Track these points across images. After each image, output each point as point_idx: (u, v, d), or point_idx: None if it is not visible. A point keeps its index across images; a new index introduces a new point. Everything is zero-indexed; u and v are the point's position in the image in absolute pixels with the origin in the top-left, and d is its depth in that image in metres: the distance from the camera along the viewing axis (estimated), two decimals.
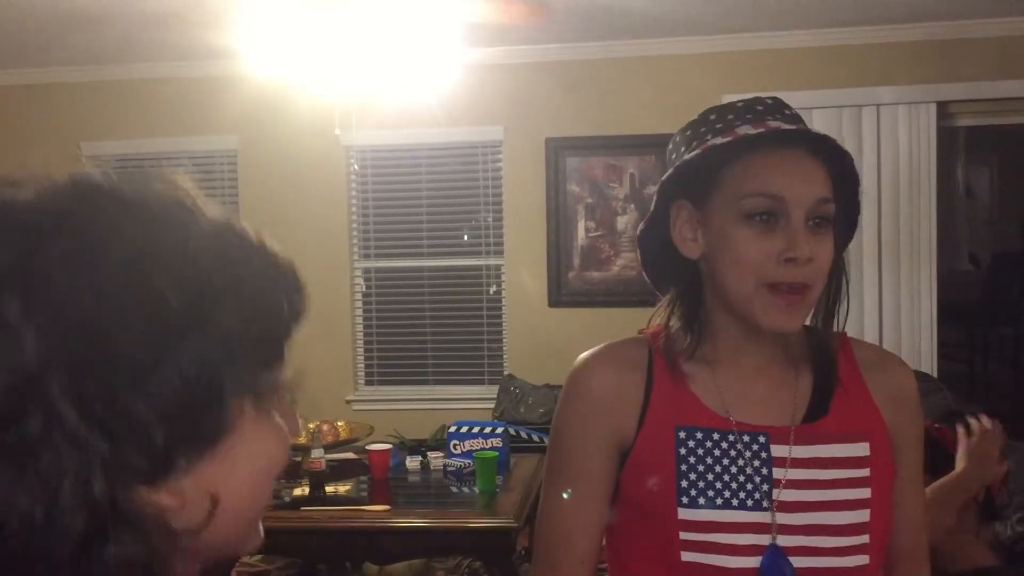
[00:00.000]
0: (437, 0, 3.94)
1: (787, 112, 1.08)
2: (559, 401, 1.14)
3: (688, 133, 1.12)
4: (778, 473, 1.04)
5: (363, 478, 3.43)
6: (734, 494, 1.03)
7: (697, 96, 5.26)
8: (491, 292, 5.64)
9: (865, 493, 1.04)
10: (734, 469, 1.04)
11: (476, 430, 3.61)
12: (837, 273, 1.10)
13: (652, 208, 1.13)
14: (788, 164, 1.03)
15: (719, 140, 1.04)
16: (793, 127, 1.04)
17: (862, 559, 1.03)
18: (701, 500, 1.03)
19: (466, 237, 5.67)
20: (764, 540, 1.02)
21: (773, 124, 1.03)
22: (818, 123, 5.09)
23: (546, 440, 4.09)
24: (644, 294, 5.10)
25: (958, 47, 5.06)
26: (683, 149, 1.11)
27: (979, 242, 7.25)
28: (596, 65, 5.37)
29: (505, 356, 5.58)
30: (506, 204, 5.53)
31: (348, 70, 3.75)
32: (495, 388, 5.31)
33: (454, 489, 3.41)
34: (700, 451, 1.04)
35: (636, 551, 1.09)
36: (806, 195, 1.02)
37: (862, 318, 5.05)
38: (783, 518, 1.02)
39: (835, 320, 1.11)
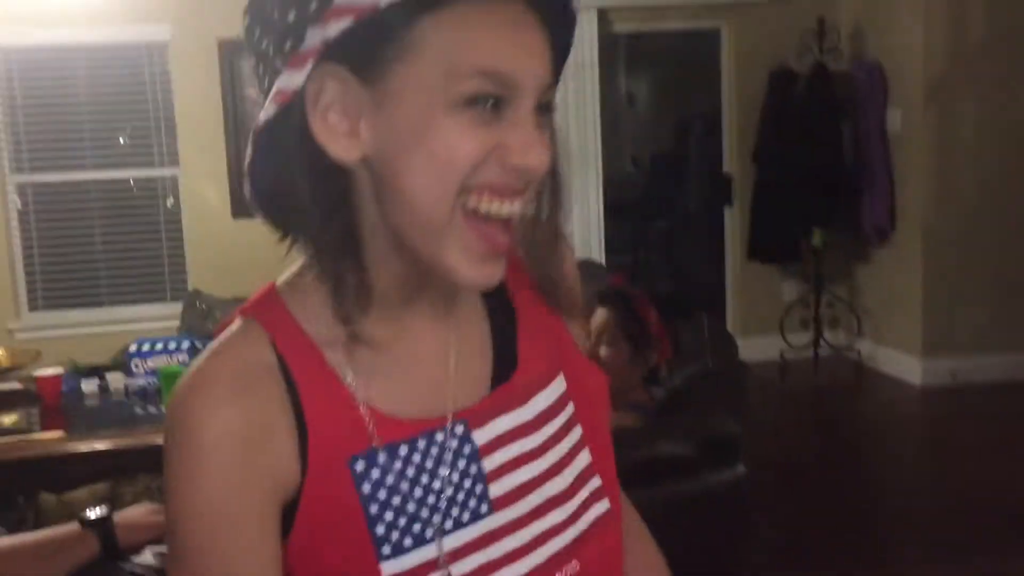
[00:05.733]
0: None
1: None
2: (166, 461, 0.71)
3: None
4: (487, 464, 0.78)
5: (33, 409, 3.17)
6: (446, 515, 0.76)
7: None
8: (169, 204, 5.33)
9: (576, 434, 0.83)
10: (436, 484, 0.76)
11: (160, 347, 3.44)
12: (555, 180, 0.81)
13: (280, 83, 0.69)
14: (521, 26, 0.69)
15: None
16: None
17: (602, 507, 0.84)
18: (407, 541, 0.74)
19: (123, 141, 5.26)
20: (498, 552, 0.77)
21: None
22: None
23: None
24: None
25: None
26: None
27: (640, 144, 7.89)
28: None
29: (188, 271, 5.33)
30: (179, 111, 5.20)
31: None
32: (179, 306, 5.07)
33: (138, 410, 3.25)
34: (389, 478, 0.74)
35: None
36: (541, 74, 0.70)
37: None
38: (504, 516, 0.78)
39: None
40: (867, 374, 5.42)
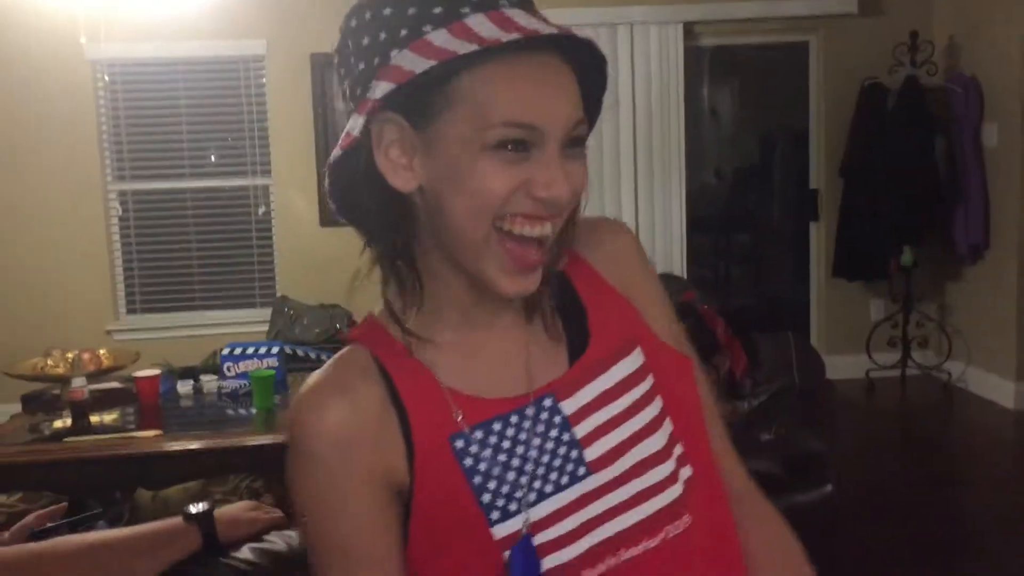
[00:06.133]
0: None
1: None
2: (289, 464, 0.85)
3: (389, 12, 0.81)
4: (579, 431, 0.86)
5: (130, 408, 3.30)
6: (545, 479, 0.84)
7: None
8: (260, 213, 5.49)
9: (659, 404, 0.89)
10: (532, 453, 0.84)
11: (251, 351, 3.55)
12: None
13: (350, 124, 0.83)
14: (542, 79, 0.79)
15: (449, 41, 0.77)
16: (550, 28, 0.78)
17: (686, 471, 0.90)
18: (512, 506, 0.83)
19: (212, 158, 5.45)
20: (599, 508, 0.85)
21: (517, 20, 0.78)
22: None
23: (323, 358, 4.05)
24: None
25: None
26: (384, 37, 0.80)
27: (725, 158, 7.82)
28: None
29: (277, 278, 5.48)
30: (272, 123, 5.36)
31: None
32: (268, 311, 5.21)
33: (230, 411, 3.35)
34: (487, 452, 0.84)
35: None
36: (564, 119, 0.80)
37: None
38: (602, 477, 0.85)
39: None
40: (957, 396, 5.26)
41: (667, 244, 5.44)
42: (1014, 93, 4.84)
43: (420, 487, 0.83)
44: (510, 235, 0.81)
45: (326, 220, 5.38)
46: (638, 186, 5.37)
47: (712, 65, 7.39)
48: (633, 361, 0.90)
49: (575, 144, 0.83)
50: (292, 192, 5.40)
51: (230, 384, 3.43)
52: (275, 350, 3.61)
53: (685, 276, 5.27)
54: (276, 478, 3.06)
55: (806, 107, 5.71)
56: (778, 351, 2.60)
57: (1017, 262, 4.89)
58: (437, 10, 0.79)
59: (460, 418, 0.84)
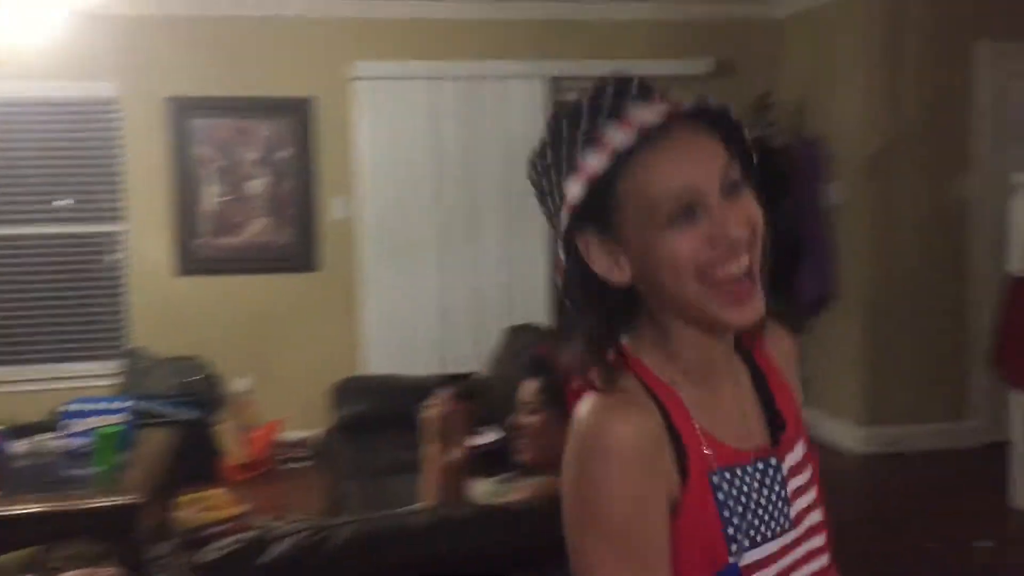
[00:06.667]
0: None
1: (637, 87, 0.95)
2: (585, 460, 0.94)
3: (549, 155, 0.97)
4: (789, 488, 1.03)
5: None
6: (767, 525, 0.99)
7: (329, 60, 5.28)
8: (108, 261, 5.25)
9: (815, 491, 1.06)
10: (763, 500, 0.99)
11: (98, 406, 3.37)
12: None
13: (560, 252, 0.98)
14: (682, 151, 0.92)
15: (600, 155, 0.92)
16: (687, 105, 0.93)
17: (824, 559, 1.07)
18: (747, 543, 0.97)
19: (59, 203, 5.20)
20: (789, 560, 1.01)
21: (645, 116, 0.92)
22: (447, 93, 5.31)
23: (175, 413, 3.87)
24: (278, 260, 5.04)
25: (568, 27, 5.51)
26: (553, 176, 0.96)
27: None
28: (220, 23, 5.16)
29: (129, 329, 5.23)
30: (125, 167, 5.16)
31: None
32: (118, 364, 4.97)
33: (70, 471, 3.16)
34: (734, 492, 0.97)
35: None
36: (713, 174, 0.92)
37: (486, 277, 5.38)
38: (798, 532, 1.02)
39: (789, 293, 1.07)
40: None
41: (530, 292, 5.48)
42: (857, 154, 5.14)
43: (686, 509, 0.94)
44: (716, 281, 0.93)
45: (182, 269, 5.20)
46: (501, 235, 5.42)
47: None
48: (801, 449, 1.06)
49: (734, 187, 0.94)
50: (147, 239, 5.20)
51: (73, 442, 3.23)
52: (124, 405, 3.44)
53: (549, 327, 5.31)
54: (119, 541, 2.89)
55: None
56: None
57: (862, 311, 5.16)
58: (613, 112, 0.93)
59: (716, 457, 0.97)
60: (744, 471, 0.98)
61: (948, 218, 5.14)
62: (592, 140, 0.93)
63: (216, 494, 4.18)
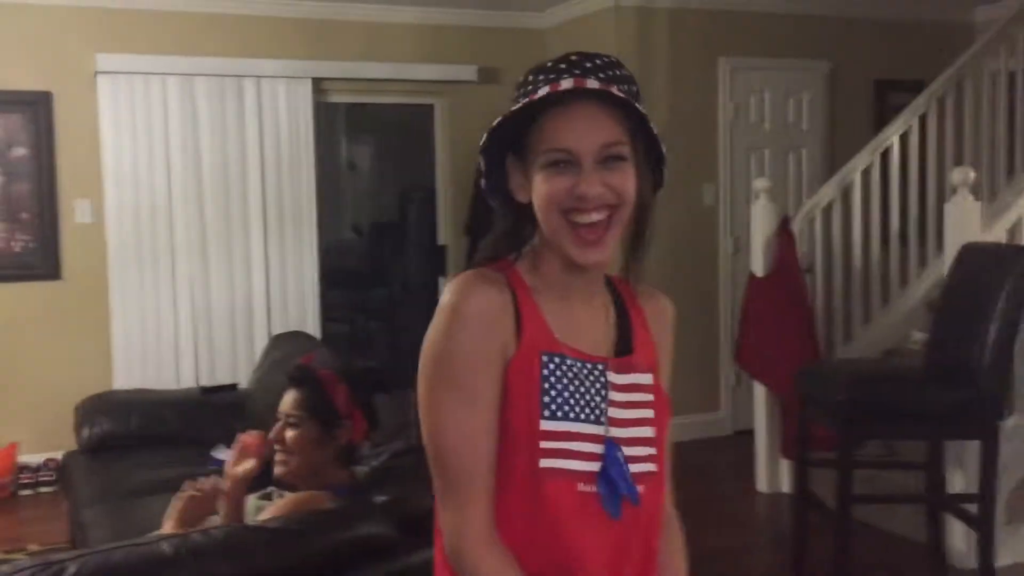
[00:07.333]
0: None
1: (588, 65, 1.20)
2: (442, 322, 1.19)
3: (517, 92, 1.25)
4: (613, 395, 1.24)
5: None
6: (581, 410, 1.20)
7: (69, 52, 4.90)
8: None
9: (650, 413, 1.27)
10: (582, 390, 1.21)
11: None
12: (642, 213, 1.25)
13: (481, 164, 1.26)
14: (575, 118, 1.18)
15: (516, 106, 1.21)
16: (591, 85, 1.18)
17: (652, 467, 1.26)
18: (559, 414, 1.19)
19: None
20: (600, 448, 1.21)
21: (563, 84, 1.19)
22: (202, 90, 5.06)
23: None
24: (15, 268, 4.63)
25: (332, 28, 5.40)
26: (516, 93, 1.25)
27: (362, 212, 7.89)
28: None
29: None
30: None
31: None
32: None
33: None
34: (558, 373, 1.20)
35: (500, 460, 1.19)
36: (591, 143, 1.17)
37: (250, 284, 5.18)
38: (614, 432, 1.22)
39: (638, 262, 1.28)
40: None
41: (300, 301, 5.33)
42: None
43: (514, 369, 1.19)
44: (574, 223, 1.19)
45: None
46: (267, 241, 5.23)
47: (348, 121, 7.48)
48: (647, 378, 1.29)
49: (611, 160, 1.18)
50: None
51: None
52: None
53: (319, 333, 5.18)
54: None
55: (434, 166, 5.93)
56: (400, 410, 2.60)
57: None
58: (552, 75, 1.20)
59: (554, 345, 1.21)
60: (569, 361, 1.22)
61: (701, 223, 5.47)
62: (531, 90, 1.21)
63: None
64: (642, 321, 1.32)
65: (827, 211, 4.78)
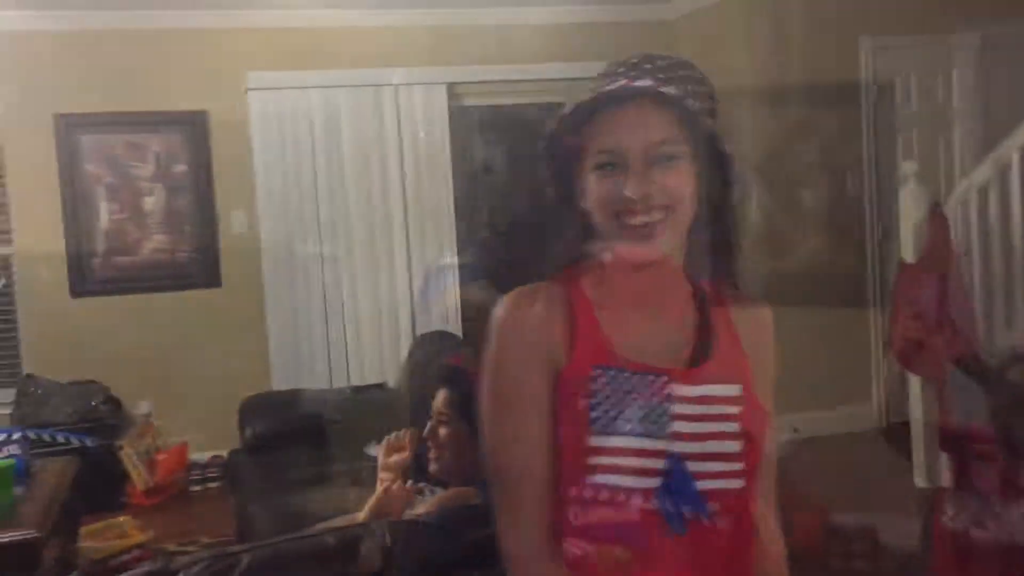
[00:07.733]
0: None
1: (647, 67, 1.18)
2: (490, 339, 1.20)
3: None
4: (678, 408, 1.17)
5: None
6: (637, 425, 1.15)
7: (222, 72, 5.17)
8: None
9: (732, 426, 1.19)
10: (640, 403, 1.16)
11: None
12: (716, 214, 1.21)
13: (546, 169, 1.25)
14: (623, 118, 1.15)
15: (565, 111, 1.20)
16: (639, 85, 1.15)
17: (734, 483, 1.18)
18: (610, 429, 1.14)
19: None
20: (662, 463, 1.15)
21: (610, 88, 1.17)
22: (342, 101, 5.25)
23: (75, 441, 3.74)
24: (178, 277, 4.88)
25: (463, 33, 5.51)
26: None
27: (498, 213, 7.99)
28: (108, 36, 5.00)
29: (22, 355, 5.03)
30: (10, 187, 4.96)
31: None
32: (11, 392, 4.78)
33: None
34: (612, 387, 1.16)
35: (558, 476, 1.17)
36: (640, 142, 1.14)
37: (394, 286, 5.34)
38: (679, 446, 1.16)
39: (726, 267, 1.24)
40: None
41: (440, 300, 5.46)
42: (750, 154, 5.25)
43: (565, 380, 1.17)
44: (625, 225, 1.15)
45: (78, 290, 5.02)
46: (410, 243, 5.38)
47: (481, 124, 7.59)
48: (732, 389, 1.20)
49: (662, 159, 1.15)
50: (38, 262, 5.00)
51: None
52: (15, 436, 3.30)
53: (460, 332, 5.30)
54: None
55: None
56: None
57: None
58: (609, 79, 1.18)
59: (608, 359, 1.17)
60: (626, 374, 1.17)
61: (844, 211, 5.30)
62: (606, 83, 1.18)
63: (121, 522, 4.05)
64: (729, 329, 1.25)
65: (983, 192, 4.55)
